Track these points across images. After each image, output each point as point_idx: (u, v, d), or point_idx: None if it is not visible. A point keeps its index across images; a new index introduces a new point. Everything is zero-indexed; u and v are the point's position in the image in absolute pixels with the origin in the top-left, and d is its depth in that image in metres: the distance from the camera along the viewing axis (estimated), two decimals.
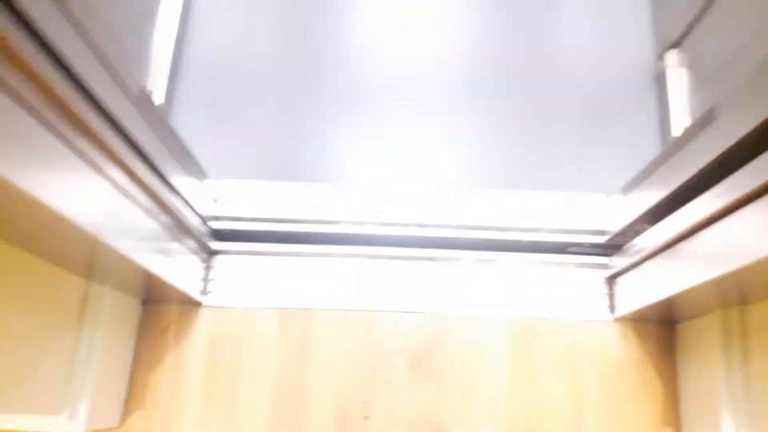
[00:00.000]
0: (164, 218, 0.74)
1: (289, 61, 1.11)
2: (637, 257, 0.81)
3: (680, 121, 0.98)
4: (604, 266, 0.92)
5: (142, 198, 0.68)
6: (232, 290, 0.90)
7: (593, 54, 1.10)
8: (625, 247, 0.87)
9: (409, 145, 1.06)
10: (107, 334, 0.80)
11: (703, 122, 0.66)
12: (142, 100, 0.66)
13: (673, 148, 0.73)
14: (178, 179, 0.77)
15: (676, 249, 0.70)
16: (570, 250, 0.94)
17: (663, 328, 0.88)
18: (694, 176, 0.66)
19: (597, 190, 0.98)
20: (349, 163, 1.04)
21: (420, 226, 0.94)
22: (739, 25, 0.85)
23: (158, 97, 1.01)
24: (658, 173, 0.76)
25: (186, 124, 1.05)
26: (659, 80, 1.05)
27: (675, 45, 1.02)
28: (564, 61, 1.10)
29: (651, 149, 1.03)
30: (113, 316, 0.81)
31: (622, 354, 0.87)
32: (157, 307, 0.89)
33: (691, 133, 0.69)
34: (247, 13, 1.14)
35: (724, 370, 0.75)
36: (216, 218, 0.94)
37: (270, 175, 1.01)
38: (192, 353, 0.87)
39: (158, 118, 0.70)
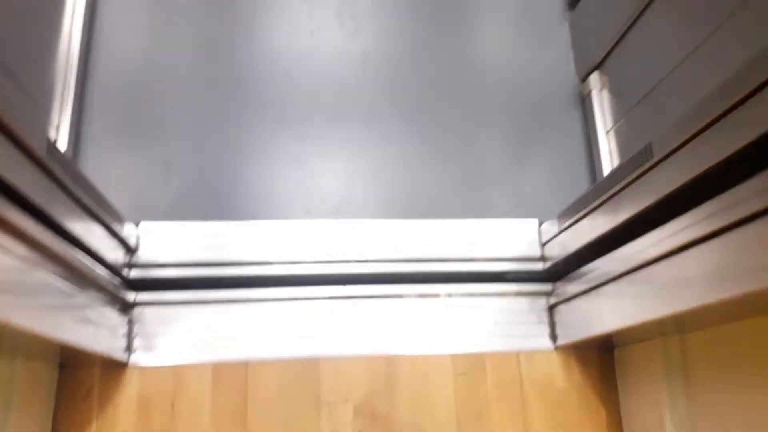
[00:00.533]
0: (68, 277, 0.66)
1: (205, 89, 1.04)
2: (580, 288, 0.81)
3: (607, 146, 1.00)
4: (545, 294, 0.92)
5: (39, 259, 0.60)
6: (159, 346, 0.83)
7: (519, 78, 1.10)
8: (566, 276, 0.87)
9: (337, 174, 1.02)
10: (20, 411, 0.70)
11: (640, 159, 0.67)
12: (43, 150, 0.58)
13: (611, 180, 0.73)
14: (83, 229, 0.68)
15: (620, 283, 0.71)
16: (508, 276, 0.93)
17: (603, 354, 0.90)
18: (637, 213, 0.67)
19: (525, 213, 0.99)
20: (276, 198, 0.99)
21: (359, 261, 0.91)
22: (660, 50, 0.87)
23: (62, 142, 0.91)
24: (598, 205, 0.76)
25: (98, 164, 0.96)
26: (584, 102, 1.07)
27: (596, 67, 1.05)
28: (489, 86, 1.10)
29: (578, 172, 1.05)
30: (26, 389, 0.72)
31: (565, 382, 0.88)
32: (76, 371, 0.80)
33: (628, 169, 0.69)
34: (156, 39, 1.05)
35: (666, 395, 0.76)
36: (134, 266, 0.86)
37: (193, 215, 0.94)
38: (119, 419, 0.79)
39: (61, 166, 0.62)
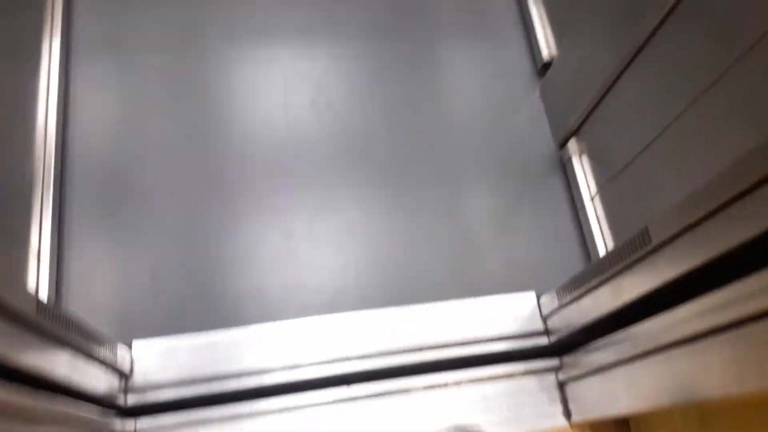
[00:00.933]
0: None
1: (185, 188, 1.02)
2: (591, 366, 0.80)
3: (594, 212, 1.00)
4: (553, 369, 0.90)
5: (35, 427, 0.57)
6: None
7: (498, 147, 1.11)
8: (574, 351, 0.86)
9: (328, 266, 1.00)
10: None
11: (637, 242, 0.67)
12: (32, 312, 0.55)
13: (610, 259, 0.73)
14: (76, 372, 0.65)
15: (634, 366, 0.70)
16: (515, 354, 0.92)
17: (620, 428, 0.88)
18: (641, 295, 0.67)
19: (519, 284, 0.99)
20: (268, 298, 0.97)
21: (361, 357, 0.88)
22: (639, 117, 0.88)
23: (45, 260, 0.88)
24: (599, 283, 0.75)
25: (83, 280, 0.93)
26: (565, 168, 1.08)
27: (574, 133, 1.06)
28: (470, 158, 1.10)
29: (567, 239, 1.05)
30: None
31: None
32: None
33: (626, 251, 0.69)
34: (131, 144, 1.04)
35: None
36: (130, 391, 0.82)
37: (185, 326, 0.91)
38: None
39: (50, 319, 0.59)
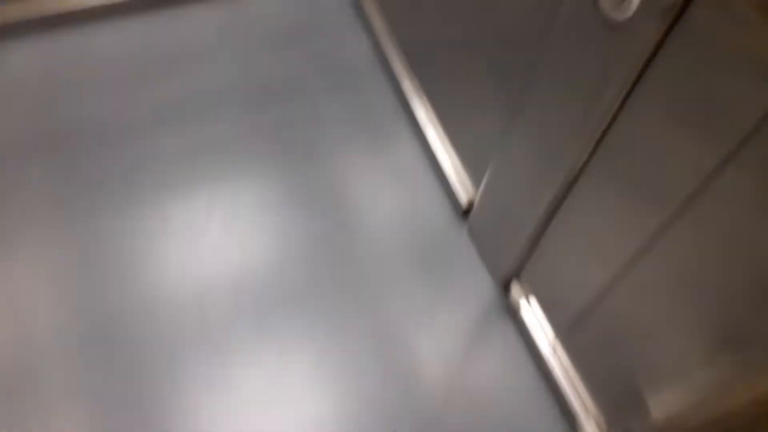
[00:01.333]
0: None
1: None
2: None
3: (559, 363, 0.90)
4: None
5: None
6: None
7: (439, 307, 1.02)
8: None
9: None
10: None
11: None
12: None
13: None
14: None
15: None
16: None
17: None
18: None
19: None
20: None
21: None
22: (586, 252, 0.80)
23: None
24: None
25: None
26: (516, 316, 0.99)
27: (515, 275, 0.98)
28: (409, 323, 1.00)
29: (535, 392, 0.94)
30: None
31: None
32: None
33: None
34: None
35: None
36: None
37: None
38: None
39: None
